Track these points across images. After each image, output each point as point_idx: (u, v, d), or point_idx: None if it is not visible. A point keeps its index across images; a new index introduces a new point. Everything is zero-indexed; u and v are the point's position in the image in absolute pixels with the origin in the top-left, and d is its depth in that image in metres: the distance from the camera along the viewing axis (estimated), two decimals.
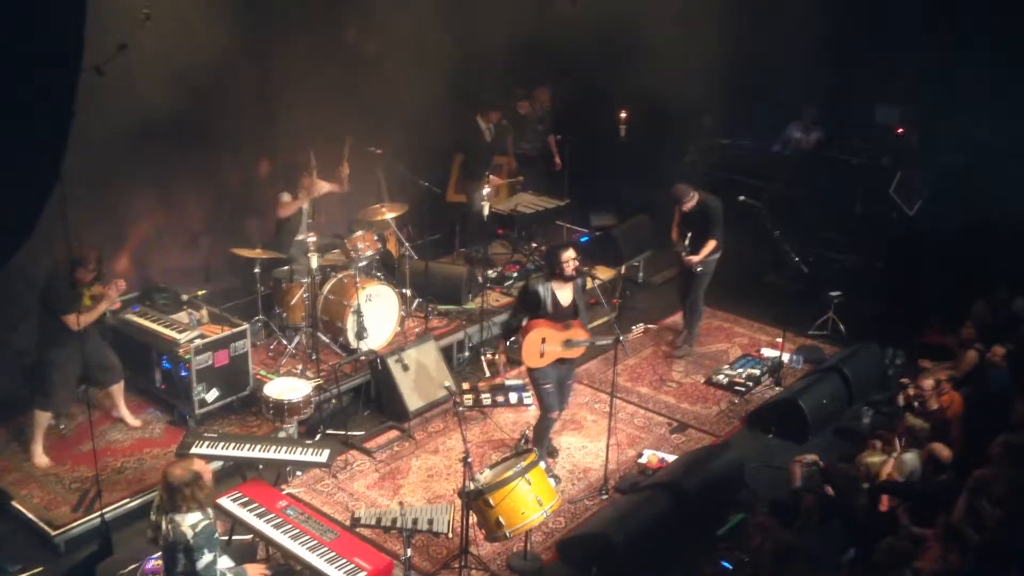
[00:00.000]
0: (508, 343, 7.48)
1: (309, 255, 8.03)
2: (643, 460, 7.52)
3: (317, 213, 8.87)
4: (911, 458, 6.70)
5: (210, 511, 5.08)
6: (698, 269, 8.81)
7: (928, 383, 7.30)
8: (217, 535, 5.09)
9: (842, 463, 6.97)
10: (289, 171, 8.70)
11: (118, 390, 7.47)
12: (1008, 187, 8.52)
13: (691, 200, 8.75)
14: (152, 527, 5.19)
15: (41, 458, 7.08)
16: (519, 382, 8.44)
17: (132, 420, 7.56)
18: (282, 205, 8.54)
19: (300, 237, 8.61)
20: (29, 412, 7.09)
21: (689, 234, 8.80)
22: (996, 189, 8.67)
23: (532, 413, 7.97)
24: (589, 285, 7.14)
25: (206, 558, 4.93)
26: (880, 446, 7.04)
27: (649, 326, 8.04)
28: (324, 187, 8.77)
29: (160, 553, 5.16)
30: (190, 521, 4.93)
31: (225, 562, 5.15)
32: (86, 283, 6.89)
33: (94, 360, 7.16)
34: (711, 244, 8.78)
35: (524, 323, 6.95)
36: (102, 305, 6.99)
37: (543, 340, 6.85)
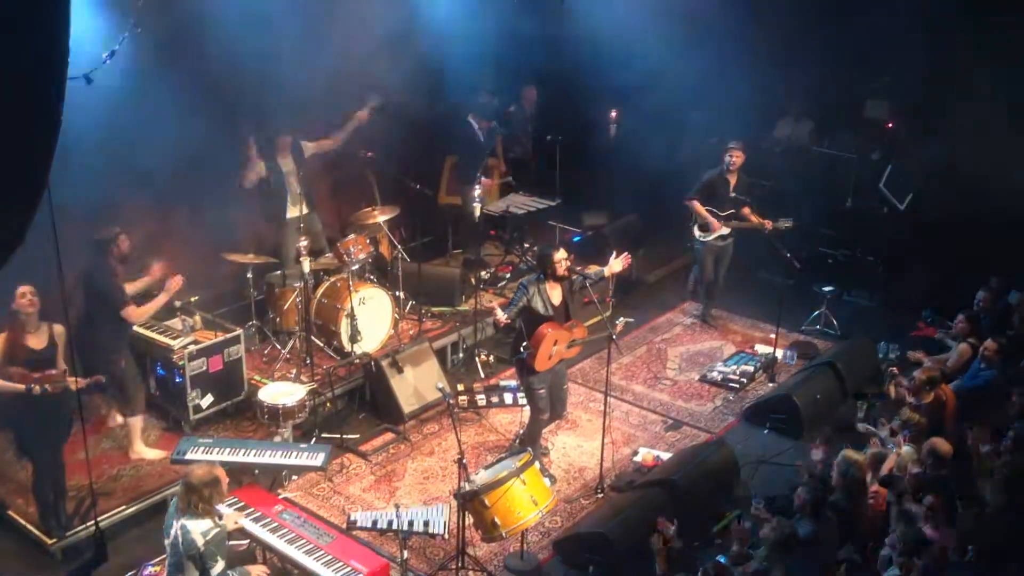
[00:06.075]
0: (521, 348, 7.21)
1: (302, 260, 8.03)
2: (638, 458, 7.54)
3: (308, 188, 8.76)
4: (908, 453, 6.71)
5: (217, 519, 5.11)
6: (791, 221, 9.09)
7: (920, 377, 7.31)
8: (227, 542, 5.12)
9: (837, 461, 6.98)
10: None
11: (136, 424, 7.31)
12: (997, 179, 8.55)
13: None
14: (165, 530, 5.22)
15: (150, 452, 7.21)
16: (514, 383, 8.42)
17: (147, 452, 7.25)
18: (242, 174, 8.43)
19: (293, 215, 8.56)
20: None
21: (731, 211, 9.17)
22: (985, 182, 8.70)
23: (527, 413, 7.95)
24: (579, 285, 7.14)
25: (219, 565, 4.99)
26: (872, 442, 7.05)
27: (629, 320, 8.18)
28: (309, 147, 8.76)
29: (156, 559, 5.18)
30: (201, 529, 4.98)
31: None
32: (130, 258, 6.85)
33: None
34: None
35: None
36: (161, 298, 7.01)
37: (555, 343, 6.86)
